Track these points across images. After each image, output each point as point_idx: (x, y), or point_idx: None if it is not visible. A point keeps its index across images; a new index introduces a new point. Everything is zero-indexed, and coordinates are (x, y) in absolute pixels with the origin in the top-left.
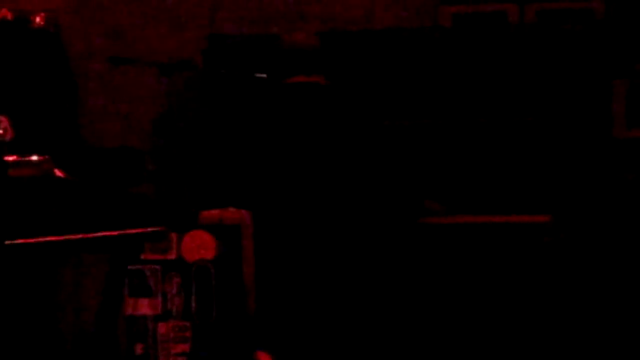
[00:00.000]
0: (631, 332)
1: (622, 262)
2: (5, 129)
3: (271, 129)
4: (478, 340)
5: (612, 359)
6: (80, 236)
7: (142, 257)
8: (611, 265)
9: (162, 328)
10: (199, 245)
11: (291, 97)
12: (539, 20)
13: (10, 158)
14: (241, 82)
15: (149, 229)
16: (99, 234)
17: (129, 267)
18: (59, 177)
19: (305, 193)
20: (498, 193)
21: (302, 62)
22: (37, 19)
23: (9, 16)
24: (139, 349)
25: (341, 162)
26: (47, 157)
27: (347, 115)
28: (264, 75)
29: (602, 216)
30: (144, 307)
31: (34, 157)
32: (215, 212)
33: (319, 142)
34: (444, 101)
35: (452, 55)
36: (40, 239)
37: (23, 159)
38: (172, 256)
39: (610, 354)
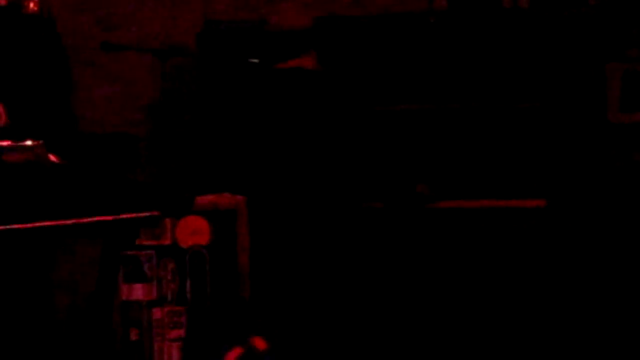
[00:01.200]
0: (624, 316)
1: (616, 245)
2: None
3: (265, 115)
4: (473, 323)
5: (606, 342)
6: (74, 221)
7: (137, 242)
8: (605, 248)
9: (156, 313)
10: (193, 231)
11: (283, 82)
12: (533, 4)
13: (4, 143)
14: (235, 67)
15: (144, 214)
16: (93, 219)
17: (124, 252)
18: (53, 162)
19: (299, 178)
20: (493, 178)
21: (291, 44)
22: (31, 5)
23: (3, 2)
24: (133, 334)
25: (336, 147)
26: (41, 142)
27: (340, 100)
28: (257, 60)
29: (597, 200)
30: (139, 293)
31: (28, 142)
32: (210, 198)
33: (312, 127)
34: (438, 85)
35: (447, 40)
36: (35, 224)
37: (17, 144)
38: (166, 241)
39: (604, 337)
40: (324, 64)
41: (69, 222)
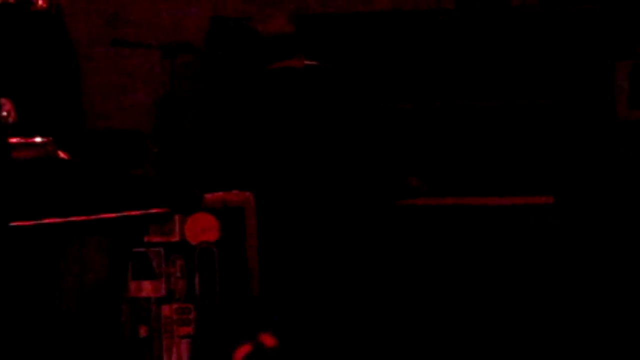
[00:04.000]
0: (633, 313)
1: (625, 242)
2: (8, 112)
3: (271, 112)
4: (480, 320)
5: (614, 339)
6: (83, 218)
7: (146, 239)
8: (614, 245)
9: (165, 310)
10: (202, 228)
11: (275, 82)
12: (541, 1)
13: (14, 140)
14: (240, 65)
15: (153, 211)
16: (103, 215)
17: (133, 249)
18: (63, 159)
19: (302, 175)
20: (502, 175)
21: (281, 48)
22: (39, 2)
23: None
24: (142, 331)
25: (344, 145)
26: (50, 139)
27: (345, 97)
28: (252, 59)
29: (605, 197)
30: (148, 290)
31: (37, 139)
32: (219, 195)
33: (318, 125)
34: (448, 83)
35: (455, 37)
36: (44, 221)
37: (26, 140)
38: (175, 238)
39: (612, 334)
40: (326, 62)
41: (79, 219)
